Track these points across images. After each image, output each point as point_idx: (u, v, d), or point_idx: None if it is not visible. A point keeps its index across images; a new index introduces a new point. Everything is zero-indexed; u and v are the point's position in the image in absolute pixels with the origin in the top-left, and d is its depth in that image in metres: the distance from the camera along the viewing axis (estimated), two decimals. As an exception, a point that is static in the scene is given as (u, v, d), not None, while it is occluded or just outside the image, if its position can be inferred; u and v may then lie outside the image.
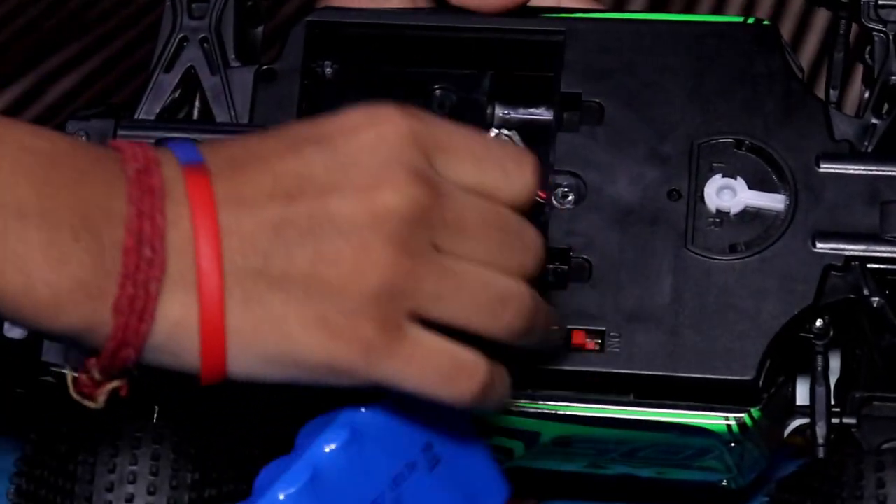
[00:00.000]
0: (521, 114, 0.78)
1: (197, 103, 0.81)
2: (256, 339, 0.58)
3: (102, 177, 0.58)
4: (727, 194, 0.71)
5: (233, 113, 0.79)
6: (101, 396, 0.57)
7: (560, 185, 0.72)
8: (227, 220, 0.58)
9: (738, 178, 0.71)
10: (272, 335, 0.58)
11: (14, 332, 0.78)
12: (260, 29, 0.85)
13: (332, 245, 0.58)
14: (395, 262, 0.57)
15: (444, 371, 0.59)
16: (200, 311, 0.56)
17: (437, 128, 0.61)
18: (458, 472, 0.68)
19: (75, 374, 0.58)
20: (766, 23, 0.74)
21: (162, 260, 0.56)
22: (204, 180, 0.58)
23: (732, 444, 0.70)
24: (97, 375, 0.57)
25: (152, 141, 0.72)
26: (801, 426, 0.72)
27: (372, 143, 0.59)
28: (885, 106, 0.73)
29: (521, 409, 0.71)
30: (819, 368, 0.70)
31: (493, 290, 0.60)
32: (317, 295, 0.58)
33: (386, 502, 0.63)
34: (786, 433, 0.73)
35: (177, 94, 0.79)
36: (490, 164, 0.61)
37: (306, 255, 0.58)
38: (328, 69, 0.81)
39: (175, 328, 0.57)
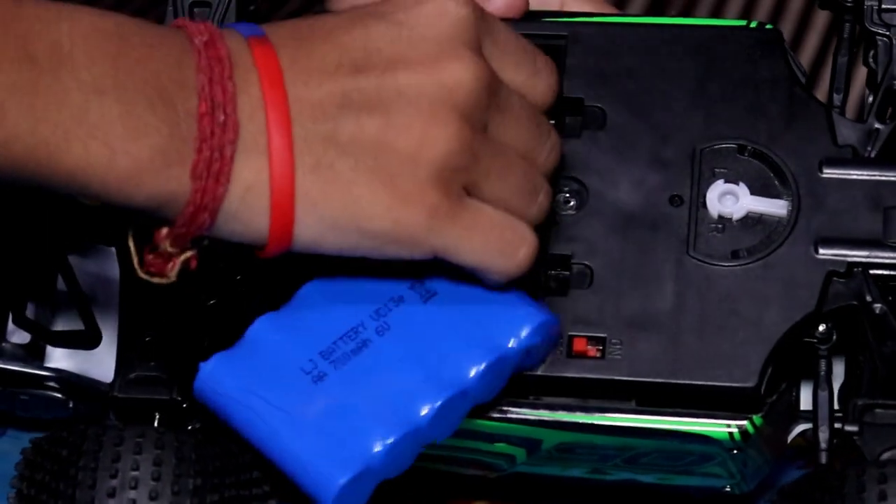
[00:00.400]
0: None
1: None
2: (325, 203, 0.60)
3: (171, 50, 0.59)
4: (729, 200, 0.71)
5: None
6: (174, 270, 0.60)
7: (562, 191, 0.72)
8: (295, 88, 0.60)
9: (741, 183, 0.70)
10: (340, 199, 0.59)
11: (17, 338, 0.79)
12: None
13: (401, 114, 0.60)
14: (461, 134, 0.59)
15: (506, 239, 0.61)
16: (271, 175, 0.58)
17: (488, 16, 0.63)
18: (461, 306, 0.69)
19: (141, 256, 0.61)
20: (769, 27, 0.74)
21: (235, 124, 0.58)
22: (270, 51, 0.60)
23: (735, 451, 0.70)
24: (169, 247, 0.59)
25: None
26: (804, 430, 0.72)
27: (435, 18, 0.61)
28: (889, 111, 0.73)
29: (523, 416, 0.70)
30: (822, 374, 0.70)
31: (530, 178, 0.63)
32: (385, 161, 0.60)
33: (368, 329, 0.66)
34: (789, 438, 0.73)
35: None
36: (527, 64, 0.64)
37: (375, 123, 0.60)
38: None
39: (248, 192, 0.59)
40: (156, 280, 0.60)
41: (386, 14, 0.62)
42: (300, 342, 0.67)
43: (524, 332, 0.67)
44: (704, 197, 0.70)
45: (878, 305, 0.68)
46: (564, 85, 0.72)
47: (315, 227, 0.60)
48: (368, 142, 0.60)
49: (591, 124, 0.73)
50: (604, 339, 0.68)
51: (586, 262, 0.70)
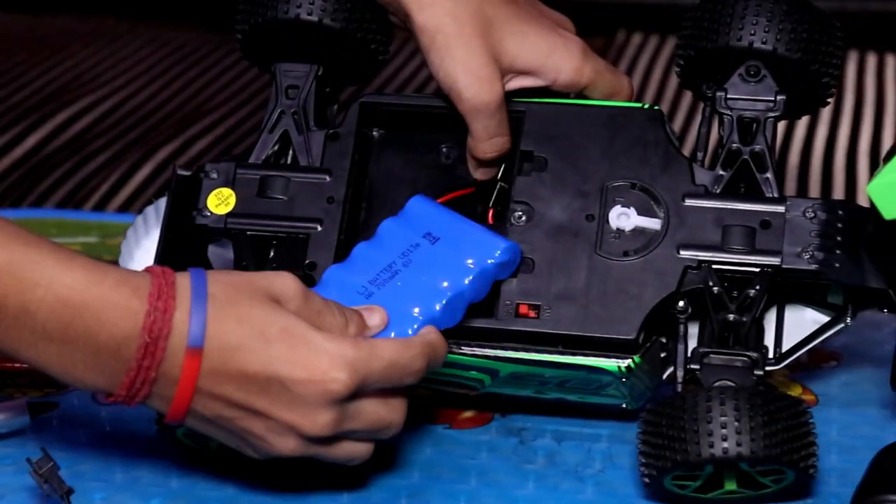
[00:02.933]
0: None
1: (290, 153, 0.90)
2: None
3: (117, 335, 0.70)
4: (623, 218, 0.83)
5: (310, 160, 0.88)
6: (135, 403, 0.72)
7: (516, 211, 0.84)
8: (200, 394, 0.72)
9: (631, 207, 0.83)
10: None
11: None
12: (335, 107, 0.94)
13: (257, 438, 0.74)
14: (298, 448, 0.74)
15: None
16: (170, 409, 0.72)
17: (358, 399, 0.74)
18: (456, 243, 0.82)
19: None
20: (655, 108, 0.85)
21: (148, 393, 0.71)
22: (195, 363, 0.71)
23: (623, 380, 0.82)
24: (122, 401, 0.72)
25: (257, 177, 0.87)
26: (670, 373, 0.84)
27: (315, 399, 0.72)
28: (729, 163, 0.85)
29: (486, 353, 0.83)
30: (681, 333, 0.82)
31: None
32: (244, 441, 0.74)
33: (397, 264, 0.81)
34: (664, 376, 0.85)
35: (276, 148, 0.89)
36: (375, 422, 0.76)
37: (244, 427, 0.73)
38: (375, 133, 0.90)
39: (156, 407, 0.73)
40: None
41: (287, 383, 0.71)
42: (355, 278, 0.80)
43: (497, 252, 0.80)
44: (607, 216, 0.83)
45: (716, 288, 0.81)
46: (521, 141, 0.85)
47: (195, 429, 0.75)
48: (237, 430, 0.74)
49: (538, 168, 0.85)
50: (539, 306, 0.82)
51: (530, 256, 0.83)
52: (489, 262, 0.81)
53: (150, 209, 0.89)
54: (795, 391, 0.93)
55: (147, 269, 0.72)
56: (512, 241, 0.81)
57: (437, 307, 0.79)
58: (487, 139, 0.84)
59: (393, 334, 0.77)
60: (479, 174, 0.87)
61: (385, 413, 0.75)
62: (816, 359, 0.92)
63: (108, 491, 0.81)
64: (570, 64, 0.86)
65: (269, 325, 0.72)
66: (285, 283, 0.74)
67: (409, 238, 0.82)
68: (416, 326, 0.78)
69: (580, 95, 0.89)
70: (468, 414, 0.91)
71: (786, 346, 0.84)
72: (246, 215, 0.86)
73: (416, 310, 0.79)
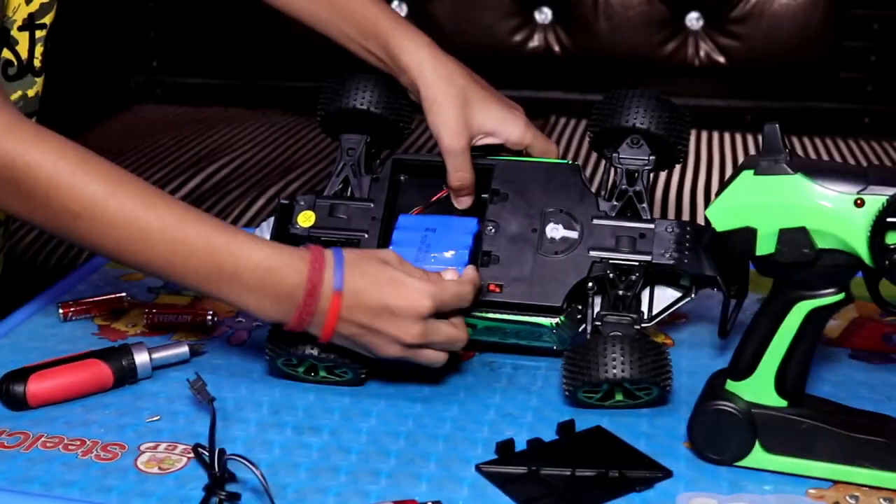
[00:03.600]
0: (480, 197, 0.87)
1: (349, 190, 0.89)
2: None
3: (290, 285, 0.72)
4: (554, 231, 0.82)
5: (361, 194, 0.87)
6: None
7: (489, 226, 0.83)
8: (341, 320, 0.73)
9: (560, 224, 0.82)
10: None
11: None
12: (377, 161, 0.91)
13: (374, 346, 0.74)
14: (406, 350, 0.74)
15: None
16: (322, 336, 0.74)
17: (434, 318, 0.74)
18: (447, 228, 0.84)
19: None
20: (575, 163, 0.84)
21: (309, 324, 0.73)
22: (333, 321, 0.73)
23: (554, 332, 0.81)
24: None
25: (328, 204, 0.86)
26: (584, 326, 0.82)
27: (410, 318, 0.73)
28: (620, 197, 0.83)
29: (472, 314, 0.81)
30: (590, 303, 0.81)
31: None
32: (365, 349, 0.75)
33: (422, 245, 0.82)
34: (580, 329, 0.83)
35: (340, 186, 0.89)
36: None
37: (366, 340, 0.74)
38: (402, 178, 0.89)
39: (313, 332, 0.74)
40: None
41: (394, 311, 0.72)
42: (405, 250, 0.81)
43: (474, 224, 0.83)
44: (545, 229, 0.82)
45: (611, 275, 0.80)
46: (493, 183, 0.84)
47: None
48: (362, 344, 0.74)
49: (502, 199, 0.84)
50: (501, 284, 0.81)
51: (497, 254, 0.82)
52: (474, 230, 0.82)
53: (263, 224, 0.88)
54: (660, 338, 0.92)
55: (306, 246, 0.74)
56: (475, 219, 0.84)
57: (449, 255, 0.82)
58: (455, 172, 0.85)
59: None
60: (457, 203, 0.87)
61: (454, 330, 0.76)
62: (673, 317, 0.90)
63: (237, 398, 0.81)
64: (518, 130, 0.87)
65: (381, 275, 0.73)
66: (388, 252, 0.77)
67: (418, 233, 0.83)
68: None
69: (526, 153, 0.89)
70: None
71: (655, 311, 0.83)
72: (321, 228, 0.86)
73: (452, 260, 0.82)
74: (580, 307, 0.83)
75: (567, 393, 0.78)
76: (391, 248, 0.83)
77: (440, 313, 0.75)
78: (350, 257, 0.74)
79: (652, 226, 0.81)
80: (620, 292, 0.80)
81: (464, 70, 0.88)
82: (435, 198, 0.88)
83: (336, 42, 0.90)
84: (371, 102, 0.87)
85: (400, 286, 0.73)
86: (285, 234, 0.86)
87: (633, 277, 0.80)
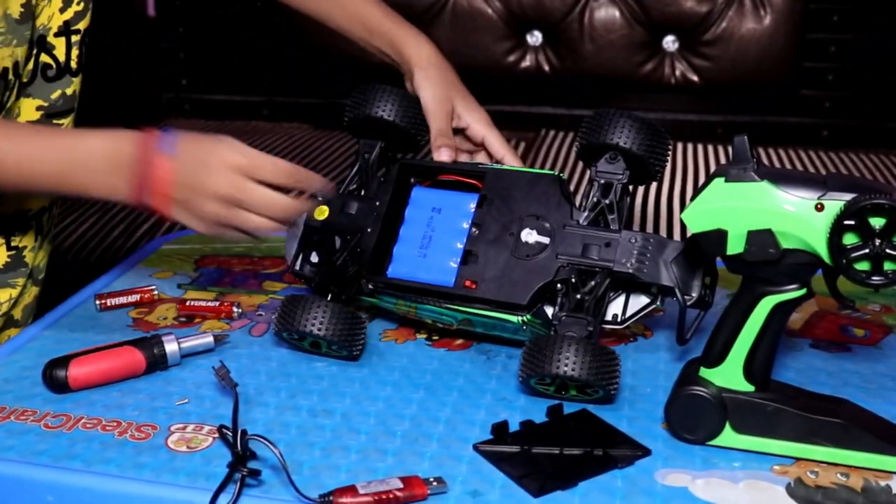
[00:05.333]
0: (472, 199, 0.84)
1: (362, 190, 0.88)
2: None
3: (131, 157, 0.72)
4: (530, 236, 0.81)
5: (369, 194, 0.86)
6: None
7: (472, 228, 0.81)
8: (173, 208, 0.73)
9: (534, 230, 0.81)
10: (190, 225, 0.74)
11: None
12: (394, 166, 0.88)
13: (201, 203, 0.73)
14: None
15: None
16: (154, 206, 0.74)
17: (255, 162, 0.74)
18: (451, 207, 0.83)
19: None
20: (557, 174, 0.82)
21: (148, 195, 0.73)
22: (169, 165, 0.73)
23: (524, 328, 0.79)
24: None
25: (340, 201, 0.85)
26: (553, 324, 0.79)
27: (222, 168, 0.73)
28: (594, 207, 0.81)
29: (448, 306, 0.80)
30: (558, 302, 0.79)
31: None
32: (186, 210, 0.73)
33: (431, 225, 0.84)
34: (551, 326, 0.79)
35: (355, 185, 0.88)
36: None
37: (192, 200, 0.73)
38: (412, 180, 0.87)
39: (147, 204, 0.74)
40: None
41: (209, 165, 0.72)
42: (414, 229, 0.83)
43: (472, 204, 0.82)
44: (520, 234, 0.81)
45: (573, 279, 0.78)
46: (482, 189, 0.82)
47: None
48: (190, 206, 0.73)
49: (488, 204, 0.82)
50: (477, 281, 0.80)
51: (476, 254, 0.81)
52: (472, 206, 0.82)
53: (298, 220, 0.88)
54: (639, 329, 0.91)
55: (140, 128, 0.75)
56: (475, 194, 0.83)
57: (463, 239, 0.82)
58: (437, 131, 0.87)
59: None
60: (436, 154, 0.88)
61: (274, 194, 0.74)
62: (654, 310, 0.84)
63: (258, 384, 0.81)
64: (481, 123, 0.91)
65: (204, 141, 0.74)
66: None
67: (427, 212, 0.85)
68: (459, 245, 0.81)
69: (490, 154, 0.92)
70: (458, 342, 0.88)
71: (627, 315, 0.81)
72: (332, 221, 0.86)
73: (458, 244, 0.82)
74: (549, 306, 0.81)
75: (521, 379, 0.76)
76: (403, 225, 0.84)
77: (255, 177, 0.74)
78: (185, 133, 0.74)
79: (618, 236, 0.79)
80: (579, 296, 0.79)
81: (449, 66, 0.92)
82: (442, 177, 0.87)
83: (345, 36, 0.95)
84: (392, 112, 0.87)
85: (218, 143, 0.73)
86: (307, 226, 0.87)
87: (594, 283, 0.78)
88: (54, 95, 0.90)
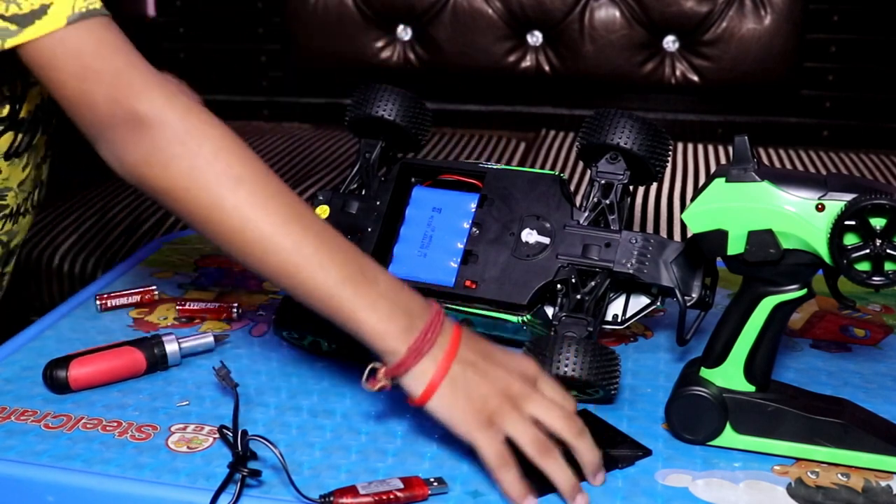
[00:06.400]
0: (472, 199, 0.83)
1: (363, 190, 0.86)
2: (445, 402, 0.64)
3: (419, 308, 0.65)
4: (530, 236, 0.80)
5: (370, 193, 0.85)
6: (377, 388, 0.65)
7: (472, 228, 0.81)
8: (457, 363, 0.64)
9: (534, 230, 0.80)
10: (454, 406, 0.64)
11: None
12: (395, 165, 0.87)
13: (487, 392, 0.64)
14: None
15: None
16: (432, 377, 0.64)
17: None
18: (451, 207, 0.82)
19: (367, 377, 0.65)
20: (558, 174, 0.82)
21: (430, 347, 0.64)
22: (456, 344, 0.65)
23: (524, 328, 0.79)
24: (381, 377, 0.65)
25: (341, 200, 0.84)
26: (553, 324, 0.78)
27: (517, 372, 0.65)
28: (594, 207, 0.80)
29: (449, 307, 0.78)
30: (558, 302, 0.78)
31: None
32: (478, 402, 0.63)
33: (431, 225, 0.83)
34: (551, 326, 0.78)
35: (355, 185, 0.87)
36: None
37: (478, 393, 0.64)
38: (413, 179, 0.86)
39: (421, 374, 0.64)
40: (368, 387, 0.65)
41: (508, 384, 0.64)
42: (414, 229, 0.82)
43: (473, 204, 0.81)
44: (520, 234, 0.80)
45: (573, 279, 0.77)
46: (483, 189, 0.81)
47: (437, 408, 0.64)
48: (475, 396, 0.63)
49: (489, 204, 0.82)
50: (477, 281, 0.79)
51: (477, 253, 0.80)
52: (473, 206, 0.82)
53: None
54: (640, 330, 0.91)
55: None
56: (475, 194, 0.82)
57: (464, 239, 0.81)
58: None
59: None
60: None
61: (559, 413, 0.66)
62: (654, 311, 0.84)
63: (258, 384, 0.80)
64: None
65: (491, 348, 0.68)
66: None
67: (427, 212, 0.83)
68: (459, 245, 0.80)
69: None
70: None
71: (628, 315, 0.81)
72: (333, 221, 0.84)
73: (458, 244, 0.81)
74: (550, 306, 0.81)
75: None
76: (403, 225, 0.83)
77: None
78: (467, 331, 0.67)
79: (618, 236, 0.78)
80: (579, 296, 0.78)
81: None
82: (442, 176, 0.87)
83: None
84: (393, 112, 0.86)
85: (509, 354, 0.67)
86: None
87: (594, 283, 0.78)
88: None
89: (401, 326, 0.64)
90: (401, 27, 2.15)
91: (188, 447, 0.70)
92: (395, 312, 0.65)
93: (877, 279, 0.63)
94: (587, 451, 0.64)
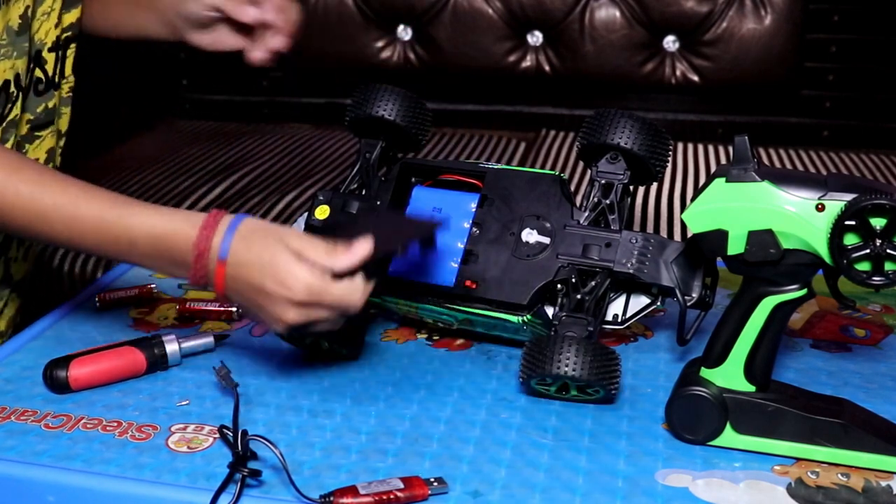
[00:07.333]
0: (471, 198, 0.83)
1: (363, 189, 0.87)
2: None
3: (182, 250, 0.69)
4: (530, 236, 0.81)
5: (370, 193, 0.86)
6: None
7: (473, 227, 0.81)
8: (228, 286, 0.69)
9: (534, 230, 0.80)
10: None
11: None
12: (395, 165, 0.87)
13: (266, 318, 0.69)
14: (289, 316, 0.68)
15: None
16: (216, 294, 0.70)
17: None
18: (452, 206, 0.82)
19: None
20: (558, 174, 0.82)
21: (203, 278, 0.69)
22: (222, 268, 0.68)
23: (524, 328, 0.79)
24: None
25: (341, 200, 0.84)
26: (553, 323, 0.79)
27: (285, 303, 0.67)
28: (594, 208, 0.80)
29: (448, 306, 0.80)
30: (558, 302, 0.79)
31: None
32: (260, 318, 0.69)
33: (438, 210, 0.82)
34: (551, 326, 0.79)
35: (355, 185, 0.87)
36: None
37: (257, 309, 0.69)
38: (413, 179, 0.86)
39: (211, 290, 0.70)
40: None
41: (275, 292, 0.67)
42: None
43: (473, 204, 0.81)
44: (520, 234, 0.80)
45: (574, 279, 0.78)
46: (483, 189, 0.81)
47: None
48: (250, 305, 0.69)
49: (489, 204, 0.82)
50: (477, 282, 0.79)
51: (477, 254, 0.80)
52: (473, 206, 0.82)
53: (300, 219, 0.88)
54: (640, 330, 0.91)
55: (209, 211, 0.70)
56: (476, 194, 0.82)
57: (464, 239, 0.81)
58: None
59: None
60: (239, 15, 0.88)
61: (328, 325, 0.70)
62: (654, 311, 0.84)
63: (258, 384, 0.80)
64: None
65: (266, 254, 0.68)
66: (291, 232, 0.70)
67: (427, 212, 0.83)
68: (460, 245, 0.80)
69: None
70: (459, 342, 0.88)
71: (628, 315, 0.81)
72: (333, 221, 0.85)
73: (459, 244, 0.81)
74: (550, 306, 0.81)
75: (521, 380, 0.76)
76: None
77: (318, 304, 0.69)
78: (245, 229, 0.69)
79: (618, 236, 0.78)
80: (579, 296, 0.78)
81: None
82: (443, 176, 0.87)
83: (145, 36, 0.94)
84: (393, 112, 0.87)
85: (280, 271, 0.67)
86: (310, 224, 0.86)
87: (594, 283, 0.78)
88: (39, 109, 0.90)
89: (174, 272, 0.70)
90: (401, 27, 2.15)
91: (188, 447, 0.70)
92: (162, 266, 0.70)
93: (877, 279, 0.63)
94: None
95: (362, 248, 0.69)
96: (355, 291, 0.69)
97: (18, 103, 0.85)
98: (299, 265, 0.67)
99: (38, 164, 0.71)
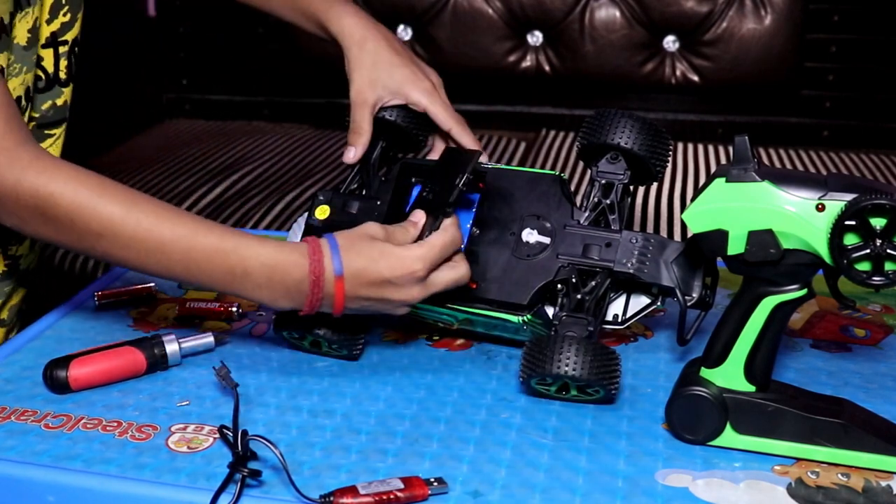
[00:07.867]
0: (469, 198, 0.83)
1: (363, 190, 0.87)
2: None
3: (295, 277, 0.71)
4: (530, 236, 0.81)
5: (371, 193, 0.86)
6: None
7: (473, 227, 0.81)
8: (348, 299, 0.71)
9: (535, 230, 0.81)
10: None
11: None
12: (395, 165, 0.86)
13: (388, 310, 0.73)
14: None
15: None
16: (334, 313, 0.73)
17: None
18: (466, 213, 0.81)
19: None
20: (558, 174, 0.82)
21: (321, 305, 0.72)
22: (341, 283, 0.71)
23: (524, 328, 0.79)
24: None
25: (342, 200, 0.83)
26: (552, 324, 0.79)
27: (409, 283, 0.71)
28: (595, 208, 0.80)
29: (450, 307, 0.80)
30: (559, 302, 0.79)
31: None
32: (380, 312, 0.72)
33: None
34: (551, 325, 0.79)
35: (355, 185, 0.87)
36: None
37: (378, 308, 0.72)
38: (413, 179, 0.84)
39: (325, 311, 0.73)
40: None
41: (384, 293, 0.71)
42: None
43: (475, 204, 0.80)
44: (521, 234, 0.81)
45: (574, 279, 0.78)
46: (484, 189, 0.81)
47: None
48: (374, 310, 0.72)
49: (490, 204, 0.82)
50: (478, 280, 0.79)
51: (477, 253, 0.81)
52: (473, 206, 0.81)
53: (301, 219, 0.87)
54: (640, 330, 0.91)
55: (304, 240, 0.73)
56: (476, 194, 0.82)
57: (464, 239, 0.79)
58: (353, 124, 0.86)
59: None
60: (344, 155, 0.87)
61: (453, 273, 0.74)
62: (654, 311, 0.84)
63: (258, 384, 0.80)
64: (417, 93, 0.86)
65: (373, 252, 0.71)
66: (371, 226, 0.74)
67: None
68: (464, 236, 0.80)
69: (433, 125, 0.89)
70: (459, 342, 0.88)
71: (628, 315, 0.81)
72: (333, 220, 0.84)
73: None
74: (544, 306, 0.81)
75: (521, 379, 0.76)
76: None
77: (433, 268, 0.73)
78: (344, 241, 0.72)
79: (619, 236, 0.78)
80: (580, 296, 0.78)
81: (380, 35, 0.88)
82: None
83: (285, 20, 0.95)
84: (393, 113, 0.87)
85: (392, 258, 0.71)
86: (309, 224, 0.86)
87: (594, 283, 0.78)
88: (45, 106, 0.90)
89: (287, 302, 0.72)
90: (401, 27, 2.16)
91: (188, 447, 0.70)
92: (276, 297, 0.72)
93: (877, 279, 0.63)
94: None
95: (417, 214, 0.75)
96: (460, 260, 0.75)
97: (26, 115, 0.87)
98: (399, 248, 0.72)
99: (155, 198, 0.73)
